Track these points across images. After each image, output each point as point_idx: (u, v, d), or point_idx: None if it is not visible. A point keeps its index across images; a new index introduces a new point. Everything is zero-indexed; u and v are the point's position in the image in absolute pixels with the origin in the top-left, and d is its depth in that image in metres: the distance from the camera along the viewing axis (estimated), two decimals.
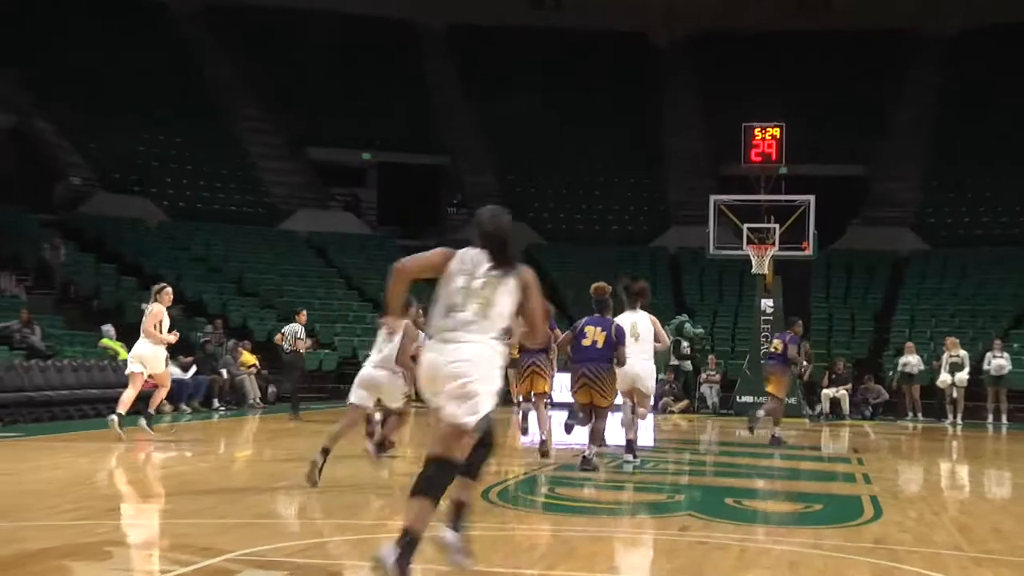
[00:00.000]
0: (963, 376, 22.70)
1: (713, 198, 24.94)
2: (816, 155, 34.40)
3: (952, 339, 23.21)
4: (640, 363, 11.25)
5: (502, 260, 5.68)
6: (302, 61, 36.31)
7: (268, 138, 35.93)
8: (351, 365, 22.82)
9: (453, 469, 5.42)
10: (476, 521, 6.56)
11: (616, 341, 10.89)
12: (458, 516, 5.73)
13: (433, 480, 5.32)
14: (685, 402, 24.55)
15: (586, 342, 11.01)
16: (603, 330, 10.98)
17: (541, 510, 8.65)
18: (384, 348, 9.86)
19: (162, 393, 13.96)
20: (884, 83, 37.09)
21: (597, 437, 11.25)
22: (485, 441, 5.63)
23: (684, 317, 26.15)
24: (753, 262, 24.12)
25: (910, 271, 32.99)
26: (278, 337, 19.58)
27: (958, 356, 22.93)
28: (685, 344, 25.25)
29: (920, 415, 24.10)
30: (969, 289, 31.14)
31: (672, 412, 23.97)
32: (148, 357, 13.46)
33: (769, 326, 23.76)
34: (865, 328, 29.96)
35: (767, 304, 24.40)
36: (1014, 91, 35.08)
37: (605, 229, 35.74)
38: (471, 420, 5.39)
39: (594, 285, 11.29)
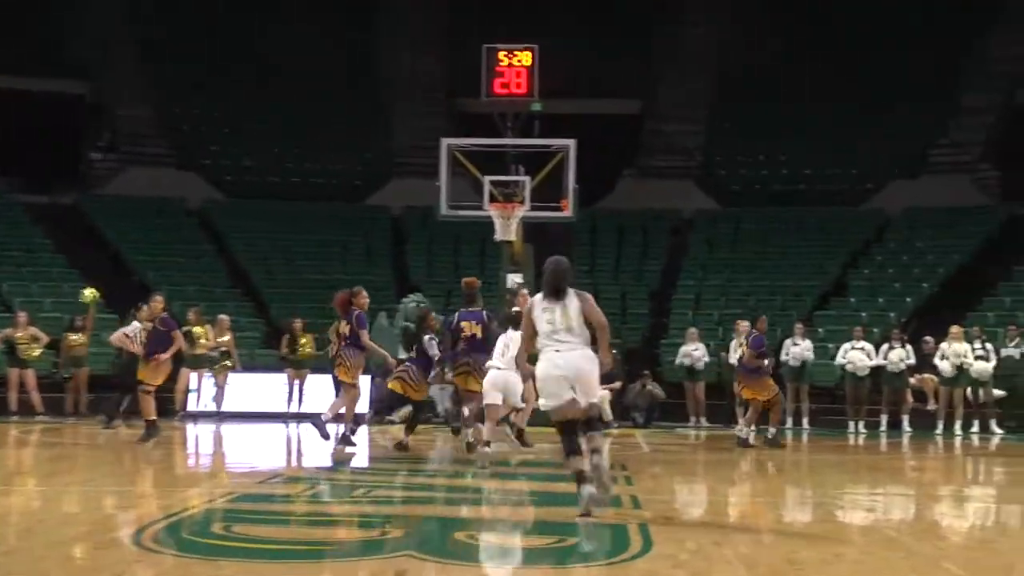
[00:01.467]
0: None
1: (446, 142, 25.19)
2: (579, 88, 35.62)
3: (744, 322, 24.26)
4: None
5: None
6: None
7: None
8: None
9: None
10: None
11: (490, 329, 15.95)
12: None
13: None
14: (408, 409, 24.79)
15: (465, 334, 16.06)
16: (477, 322, 16.10)
17: (214, 556, 8.60)
18: (506, 353, 15.62)
19: None
20: None
21: (476, 417, 16.24)
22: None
23: (417, 297, 26.32)
24: (497, 225, 24.46)
25: (695, 236, 34.50)
26: None
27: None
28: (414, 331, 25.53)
29: (704, 420, 25.28)
30: (767, 259, 32.89)
31: (392, 422, 24.16)
32: None
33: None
34: (639, 310, 31.14)
35: (514, 280, 24.85)
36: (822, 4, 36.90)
37: (306, 182, 36.07)
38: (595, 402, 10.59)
39: (464, 279, 16.72)
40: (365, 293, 17.85)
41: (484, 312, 16.38)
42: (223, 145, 36.59)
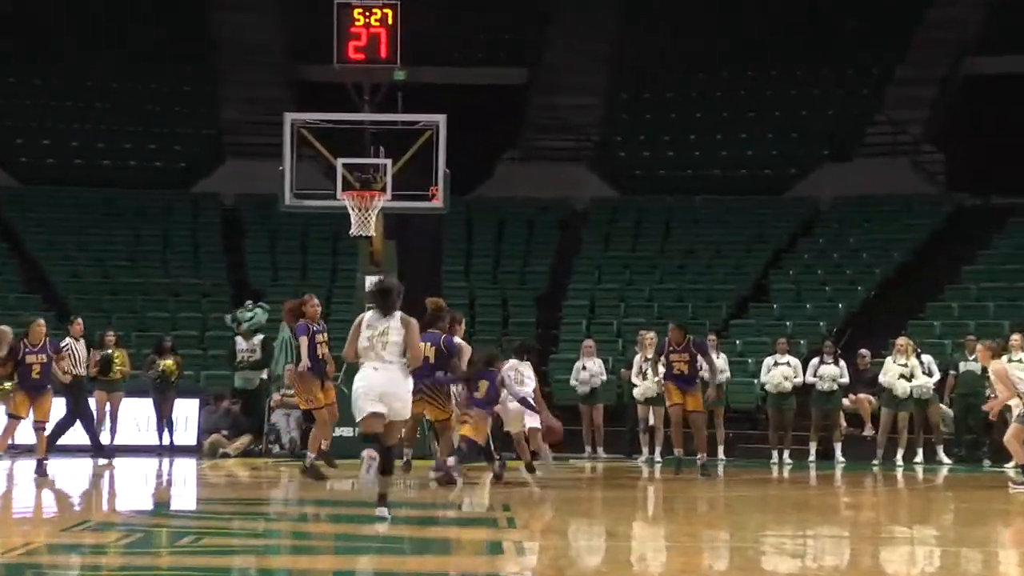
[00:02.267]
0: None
1: (290, 117, 24.90)
2: (450, 54, 35.83)
3: (649, 334, 24.40)
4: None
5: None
6: None
7: None
8: None
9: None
10: None
11: (448, 353, 18.00)
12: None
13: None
14: (247, 437, 24.84)
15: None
16: (432, 344, 17.77)
17: None
18: (525, 383, 19.10)
19: None
20: None
21: (448, 448, 18.18)
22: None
23: (249, 307, 26.13)
24: (353, 218, 24.15)
25: (589, 231, 34.60)
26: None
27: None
28: (249, 342, 25.50)
29: (602, 450, 25.32)
30: (673, 258, 33.09)
31: (226, 455, 24.17)
32: None
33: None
34: (524, 319, 31.26)
35: (374, 283, 24.61)
36: None
37: (118, 165, 35.68)
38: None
39: (428, 300, 18.60)
40: (316, 301, 18.82)
41: (444, 337, 18.22)
42: (14, 119, 35.98)
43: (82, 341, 23.73)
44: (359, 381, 13.22)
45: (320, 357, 18.42)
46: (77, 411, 23.34)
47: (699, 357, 20.85)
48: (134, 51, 36.94)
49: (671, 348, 20.71)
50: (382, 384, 13.13)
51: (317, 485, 17.78)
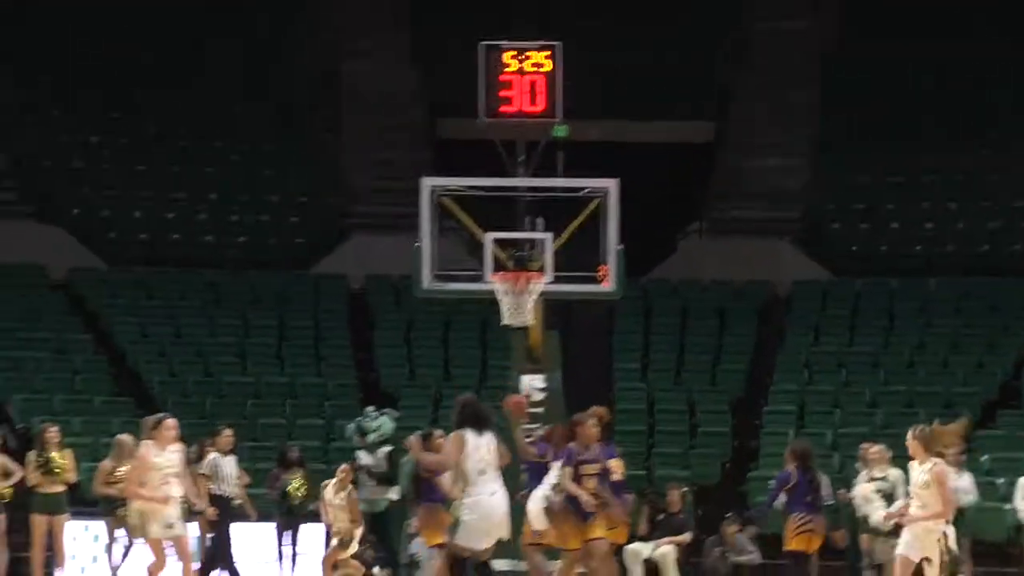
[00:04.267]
0: (881, 513, 22.90)
1: (429, 183, 24.99)
2: (622, 106, 35.74)
3: (875, 447, 23.55)
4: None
5: None
6: None
7: None
8: None
9: None
10: None
11: None
12: None
13: None
14: (384, 573, 24.63)
15: None
16: (614, 458, 18.61)
17: None
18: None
19: None
20: None
21: None
22: None
23: (381, 414, 25.90)
24: (504, 305, 24.29)
25: (794, 319, 34.08)
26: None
27: (884, 478, 23.32)
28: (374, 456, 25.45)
29: None
30: (900, 354, 32.46)
31: None
32: None
33: (539, 424, 23.04)
34: (716, 428, 30.66)
35: (533, 384, 24.79)
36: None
37: (224, 243, 36.17)
38: None
39: (597, 409, 18.58)
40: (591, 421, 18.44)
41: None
42: (97, 187, 36.50)
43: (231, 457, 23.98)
44: (482, 508, 15.26)
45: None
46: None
47: None
48: (242, 106, 37.52)
49: None
50: (504, 508, 15.35)
51: None
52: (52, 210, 36.14)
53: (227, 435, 23.99)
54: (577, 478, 17.61)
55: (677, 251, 35.94)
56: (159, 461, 18.77)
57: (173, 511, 18.80)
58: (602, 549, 17.98)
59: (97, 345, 33.12)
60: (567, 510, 17.73)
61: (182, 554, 19.05)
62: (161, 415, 19.43)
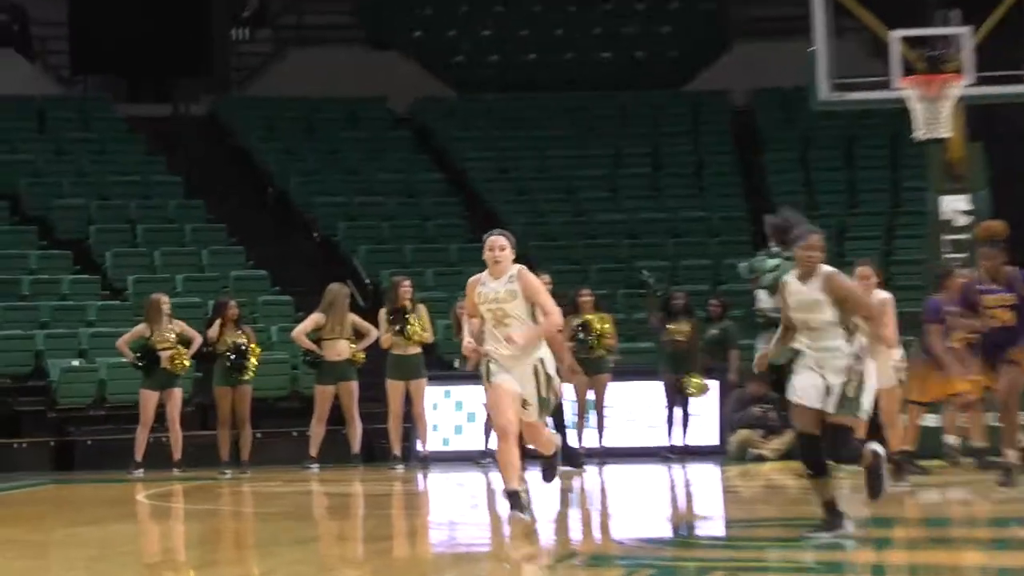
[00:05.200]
0: None
1: None
2: None
3: None
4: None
5: None
6: None
7: None
8: None
9: None
10: None
11: None
12: None
13: None
14: (789, 434, 23.88)
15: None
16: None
17: None
18: None
19: None
20: None
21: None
22: None
23: (770, 253, 24.93)
24: (917, 114, 24.14)
25: None
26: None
27: None
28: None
29: None
30: None
31: (761, 457, 24.36)
32: None
33: (965, 254, 23.94)
34: None
35: (956, 207, 24.46)
36: None
37: (584, 60, 36.66)
38: None
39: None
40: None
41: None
42: (441, 7, 36.93)
43: None
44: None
45: None
46: None
47: None
48: None
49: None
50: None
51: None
52: (390, 34, 36.82)
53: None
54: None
55: None
56: None
57: None
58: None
59: (448, 186, 33.57)
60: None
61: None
62: None
